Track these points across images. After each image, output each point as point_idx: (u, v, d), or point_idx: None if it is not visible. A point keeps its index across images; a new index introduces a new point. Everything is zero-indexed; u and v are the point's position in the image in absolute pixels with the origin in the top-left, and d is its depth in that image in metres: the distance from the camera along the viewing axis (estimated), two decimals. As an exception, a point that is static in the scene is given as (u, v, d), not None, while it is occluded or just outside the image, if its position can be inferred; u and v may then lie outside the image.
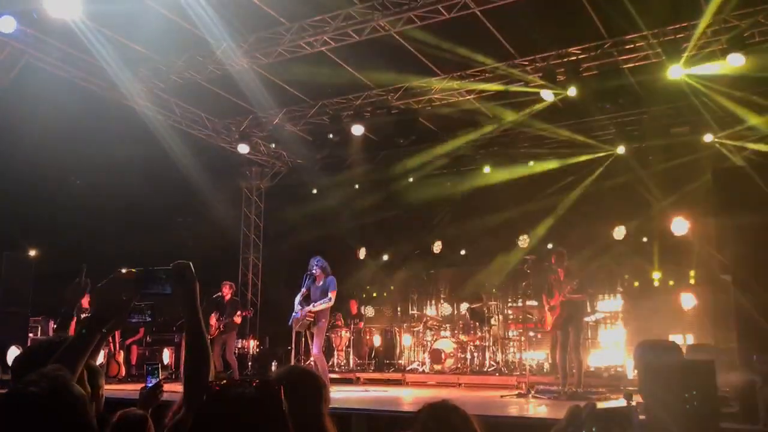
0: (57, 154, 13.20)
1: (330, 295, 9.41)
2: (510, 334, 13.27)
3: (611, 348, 11.59)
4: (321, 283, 9.54)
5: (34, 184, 12.80)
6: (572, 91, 10.89)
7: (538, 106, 11.83)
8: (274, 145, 14.33)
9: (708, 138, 11.88)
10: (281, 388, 1.57)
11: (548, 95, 11.22)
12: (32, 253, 14.28)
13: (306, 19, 10.42)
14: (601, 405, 1.57)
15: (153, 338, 13.69)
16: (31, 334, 12.11)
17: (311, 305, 9.50)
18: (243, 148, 14.19)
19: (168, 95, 12.95)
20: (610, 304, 13.53)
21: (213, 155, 14.48)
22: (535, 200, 13.33)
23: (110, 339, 12.20)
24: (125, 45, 11.02)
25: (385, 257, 16.31)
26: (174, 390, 3.98)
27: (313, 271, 9.60)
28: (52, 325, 12.44)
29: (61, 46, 11.16)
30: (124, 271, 2.22)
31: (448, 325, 13.75)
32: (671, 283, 12.71)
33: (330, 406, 2.69)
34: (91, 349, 2.12)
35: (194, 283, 2.21)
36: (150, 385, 3.78)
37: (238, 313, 12.02)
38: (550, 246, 13.07)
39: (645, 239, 13.24)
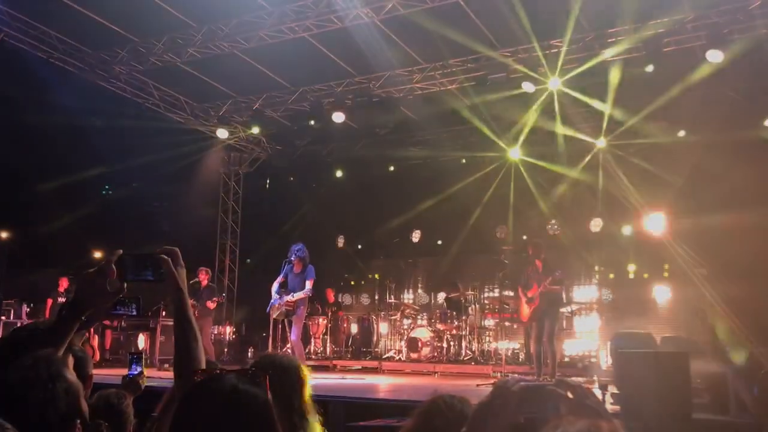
0: (32, 136, 12.98)
1: (308, 285, 9.44)
2: (486, 323, 13.35)
3: (585, 337, 11.71)
4: (300, 271, 9.52)
5: (7, 166, 12.58)
6: (554, 83, 10.92)
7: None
8: (257, 130, 14.08)
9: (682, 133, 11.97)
10: (266, 378, 1.54)
11: (529, 87, 11.21)
12: (3, 235, 14.06)
13: (288, 4, 10.30)
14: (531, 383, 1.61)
15: (128, 323, 13.53)
16: (3, 317, 11.95)
17: (290, 295, 9.49)
18: (222, 133, 14.05)
19: (146, 77, 12.76)
20: (585, 293, 13.65)
21: (191, 139, 14.32)
22: (514, 191, 13.34)
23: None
24: (104, 26, 10.82)
25: (363, 246, 16.29)
26: (148, 376, 3.96)
27: (292, 259, 9.59)
28: (25, 309, 12.28)
29: (37, 25, 10.94)
30: (107, 259, 2.11)
31: (425, 314, 13.78)
32: (645, 275, 12.84)
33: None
34: (71, 334, 2.06)
35: (182, 270, 2.13)
36: (133, 373, 3.73)
37: (213, 299, 11.94)
38: (525, 237, 13.16)
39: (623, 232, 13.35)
